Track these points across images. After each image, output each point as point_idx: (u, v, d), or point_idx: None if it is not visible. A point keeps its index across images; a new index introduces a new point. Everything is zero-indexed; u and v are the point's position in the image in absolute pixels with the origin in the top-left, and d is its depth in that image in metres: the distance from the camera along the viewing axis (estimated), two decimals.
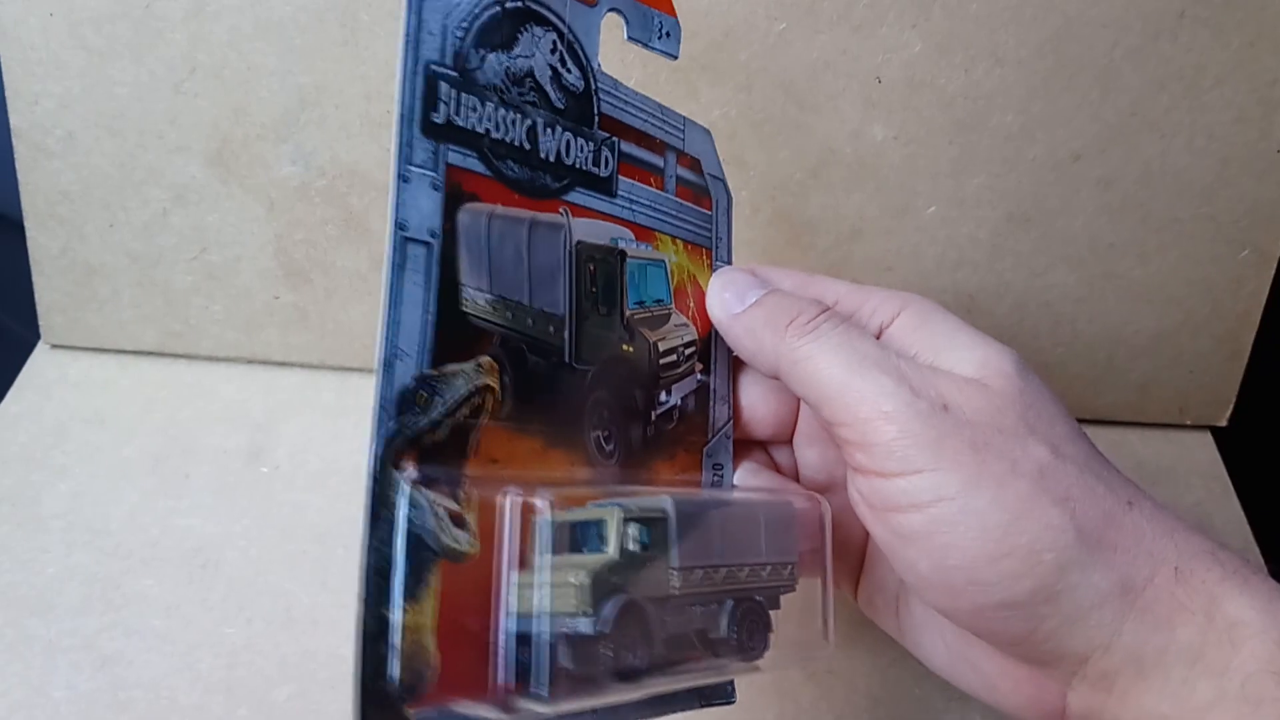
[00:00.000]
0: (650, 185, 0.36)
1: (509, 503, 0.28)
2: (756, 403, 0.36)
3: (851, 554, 0.35)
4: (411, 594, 0.26)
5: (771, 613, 0.32)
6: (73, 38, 0.45)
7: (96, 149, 0.48)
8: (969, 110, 0.45)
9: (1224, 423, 0.53)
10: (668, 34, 0.37)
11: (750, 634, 0.31)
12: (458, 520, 0.27)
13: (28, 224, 0.50)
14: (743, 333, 0.33)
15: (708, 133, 0.38)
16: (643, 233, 0.35)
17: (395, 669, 0.26)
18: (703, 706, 0.33)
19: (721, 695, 0.34)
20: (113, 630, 0.42)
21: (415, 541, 0.27)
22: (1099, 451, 0.31)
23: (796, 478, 0.37)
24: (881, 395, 0.29)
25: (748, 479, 0.36)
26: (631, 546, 0.28)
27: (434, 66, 0.29)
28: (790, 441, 0.37)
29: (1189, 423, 0.53)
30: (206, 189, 0.48)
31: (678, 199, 0.37)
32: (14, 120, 0.47)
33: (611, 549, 0.28)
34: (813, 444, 0.37)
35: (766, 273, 0.35)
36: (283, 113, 0.46)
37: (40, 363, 0.53)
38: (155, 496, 0.47)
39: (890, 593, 0.35)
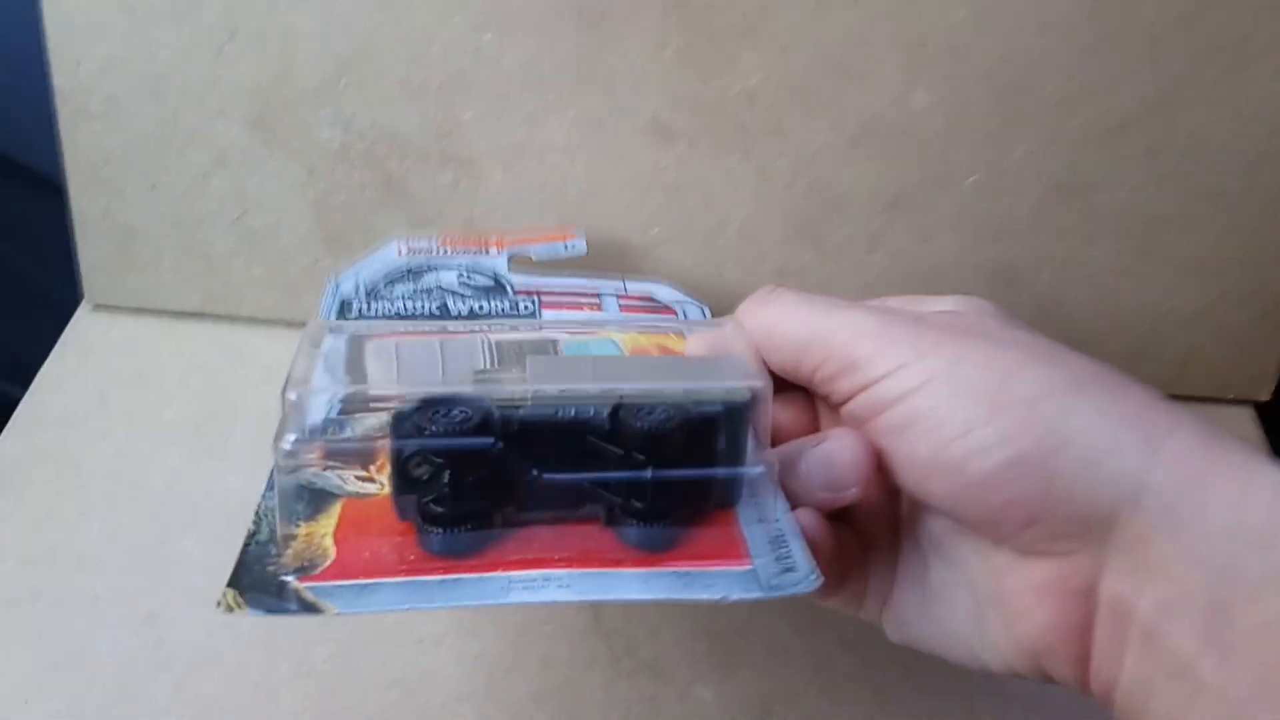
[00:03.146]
0: (585, 310, 0.39)
1: None
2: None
3: (883, 575, 0.34)
4: (309, 519, 0.29)
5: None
6: (115, 0, 0.45)
7: (139, 111, 0.48)
8: (1012, 78, 0.45)
9: (1266, 398, 0.52)
10: (573, 245, 0.44)
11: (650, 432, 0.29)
12: (366, 480, 0.29)
13: (70, 186, 0.50)
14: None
15: (667, 283, 0.43)
16: (580, 333, 0.36)
17: (285, 556, 0.27)
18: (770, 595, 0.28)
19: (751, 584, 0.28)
20: (156, 589, 0.43)
21: (318, 492, 0.29)
22: None
23: None
24: (854, 322, 0.30)
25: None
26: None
27: (346, 299, 0.38)
28: None
29: (1230, 397, 0.52)
30: (248, 152, 0.48)
31: (624, 314, 0.39)
32: (57, 82, 0.48)
33: None
34: None
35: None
36: (323, 76, 0.46)
37: (82, 324, 0.53)
38: (197, 458, 0.48)
39: (917, 594, 0.33)
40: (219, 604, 0.26)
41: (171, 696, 0.40)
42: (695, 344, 0.35)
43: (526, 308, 0.40)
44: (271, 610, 0.26)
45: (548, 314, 0.39)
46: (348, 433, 0.29)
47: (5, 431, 0.49)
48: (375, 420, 0.29)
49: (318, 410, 0.29)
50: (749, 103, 0.46)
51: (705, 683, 0.41)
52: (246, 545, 0.28)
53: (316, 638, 0.42)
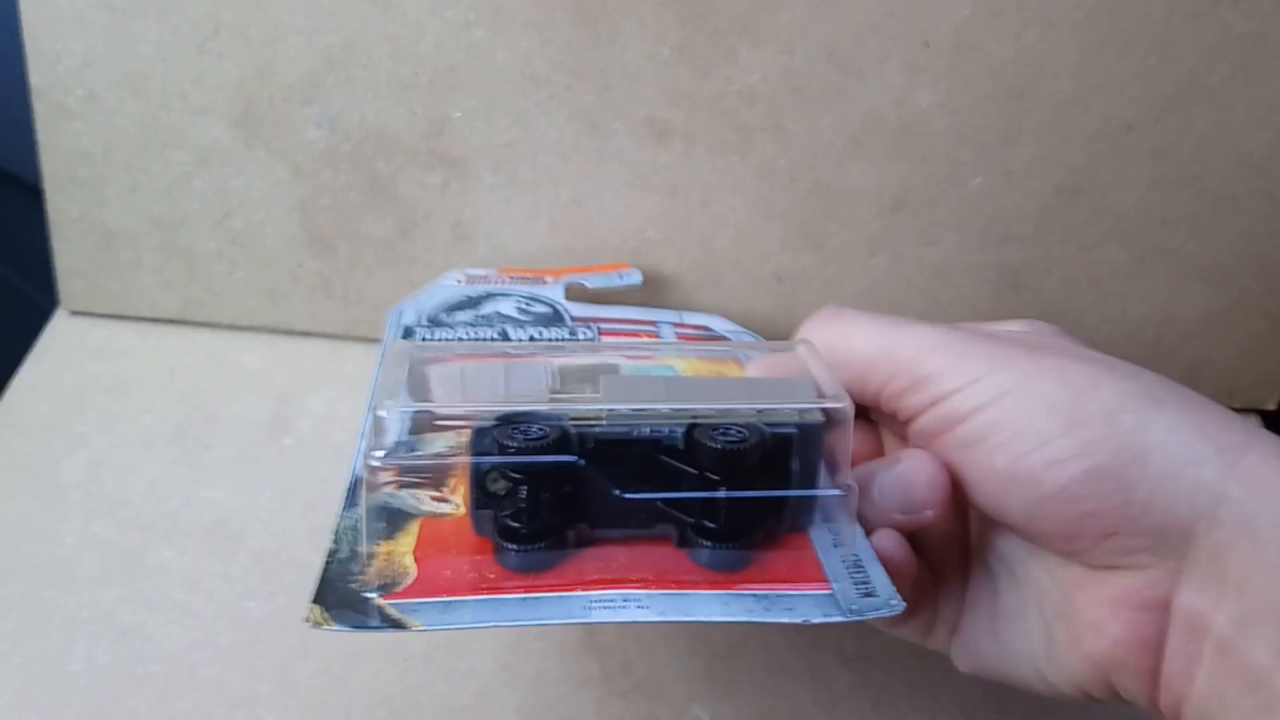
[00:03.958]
0: (642, 339, 0.41)
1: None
2: None
3: (952, 601, 0.34)
4: (388, 538, 0.29)
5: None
6: None
7: (119, 109, 0.46)
8: (1019, 77, 0.44)
9: (1273, 406, 0.51)
10: (627, 275, 0.46)
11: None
12: (441, 500, 0.30)
13: (47, 187, 0.49)
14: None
15: (718, 316, 0.44)
16: (637, 359, 0.36)
17: (367, 574, 0.28)
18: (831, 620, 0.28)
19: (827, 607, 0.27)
20: (133, 602, 0.42)
21: (395, 511, 0.29)
22: None
23: None
24: (920, 336, 0.30)
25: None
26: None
27: (409, 326, 0.40)
28: None
29: (1237, 406, 0.51)
30: (231, 152, 0.47)
31: (679, 342, 0.41)
32: (34, 79, 0.46)
33: None
34: None
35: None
36: (309, 73, 0.45)
37: (59, 330, 0.52)
38: (176, 467, 0.46)
39: (987, 619, 0.32)
40: (306, 619, 0.26)
41: (149, 715, 0.39)
42: (755, 368, 0.34)
43: (585, 335, 0.41)
44: (357, 626, 0.26)
45: (606, 341, 0.40)
46: (418, 454, 0.30)
47: None
48: (443, 442, 0.29)
49: (392, 430, 0.29)
50: (748, 101, 0.45)
51: (701, 702, 0.40)
52: (328, 563, 0.28)
53: (299, 654, 0.40)
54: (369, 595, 0.27)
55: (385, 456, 0.28)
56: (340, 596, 0.27)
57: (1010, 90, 0.44)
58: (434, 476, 0.30)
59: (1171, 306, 0.48)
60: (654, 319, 0.43)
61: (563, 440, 0.28)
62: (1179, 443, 0.26)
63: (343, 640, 0.41)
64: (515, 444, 0.27)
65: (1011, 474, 0.28)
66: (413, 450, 0.29)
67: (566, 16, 0.43)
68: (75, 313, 0.52)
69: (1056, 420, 0.27)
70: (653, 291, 0.49)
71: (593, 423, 0.28)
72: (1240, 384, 0.50)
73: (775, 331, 0.48)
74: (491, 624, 0.26)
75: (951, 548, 0.33)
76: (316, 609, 0.26)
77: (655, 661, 0.41)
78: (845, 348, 0.31)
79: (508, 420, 0.28)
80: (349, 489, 0.31)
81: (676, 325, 0.43)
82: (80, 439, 0.47)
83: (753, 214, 0.47)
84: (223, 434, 0.48)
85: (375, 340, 0.52)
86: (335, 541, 0.29)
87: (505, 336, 0.40)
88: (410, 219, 0.48)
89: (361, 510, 0.29)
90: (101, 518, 0.44)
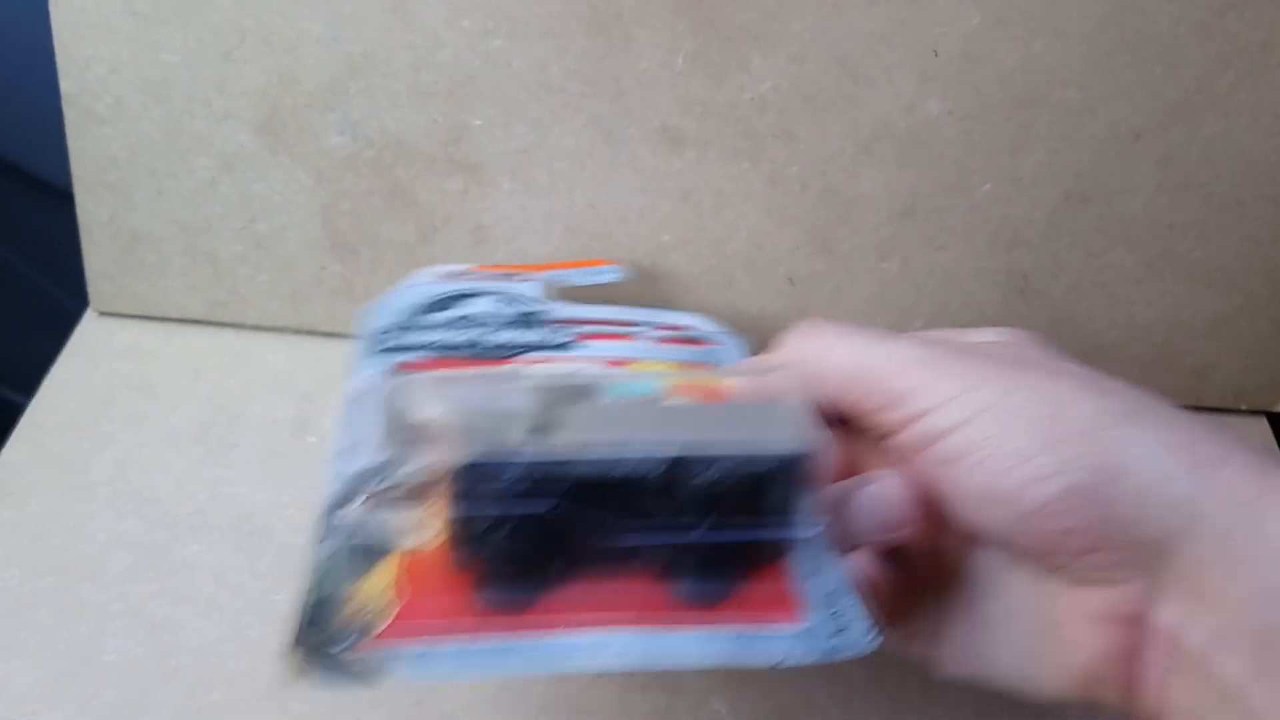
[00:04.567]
0: (622, 340, 0.40)
1: None
2: None
3: (931, 612, 0.34)
4: (364, 575, 0.28)
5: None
6: (121, 1, 0.45)
7: (145, 115, 0.47)
8: (1028, 85, 0.44)
9: None
10: (608, 271, 0.46)
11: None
12: (418, 528, 0.29)
13: (77, 190, 0.50)
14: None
15: (702, 316, 0.44)
16: (614, 365, 0.36)
17: (342, 617, 0.27)
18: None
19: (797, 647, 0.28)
20: (162, 597, 0.43)
21: (370, 547, 0.28)
22: None
23: None
24: (902, 354, 0.30)
25: None
26: None
27: (381, 329, 0.39)
28: None
29: (1244, 408, 0.52)
30: (255, 158, 0.48)
31: (662, 345, 0.40)
32: (64, 86, 0.47)
33: None
34: None
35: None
36: (331, 81, 0.46)
37: (88, 330, 0.53)
38: (202, 465, 0.48)
39: (968, 628, 0.33)
40: (285, 670, 0.26)
41: (180, 706, 0.40)
42: (744, 387, 0.34)
43: (563, 338, 0.40)
44: (334, 678, 0.26)
45: (584, 344, 0.39)
46: (397, 472, 0.29)
47: (10, 438, 0.48)
48: (424, 459, 0.29)
49: (366, 456, 0.29)
50: (760, 109, 0.45)
51: (720, 695, 0.41)
52: (304, 604, 0.27)
53: None
54: (345, 641, 0.26)
55: (358, 510, 0.28)
56: (316, 642, 0.26)
57: (1019, 98, 0.44)
58: (411, 502, 0.29)
59: (1179, 311, 0.49)
60: (633, 319, 0.42)
61: (542, 482, 0.28)
62: (1155, 460, 0.27)
63: None
64: (494, 487, 0.27)
65: (990, 491, 0.28)
66: (390, 466, 0.29)
67: (582, 26, 0.44)
68: (104, 314, 0.53)
69: (1035, 437, 0.27)
70: (666, 294, 0.50)
71: (571, 460, 0.28)
72: (1247, 387, 0.51)
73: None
74: (471, 673, 0.26)
75: (929, 559, 0.33)
76: (295, 657, 0.26)
77: None
78: (825, 364, 0.31)
79: (486, 461, 0.28)
80: (322, 516, 0.30)
81: (658, 328, 0.42)
82: (109, 438, 0.49)
83: (764, 219, 0.48)
84: (247, 432, 0.49)
85: None
86: (310, 579, 0.28)
87: (480, 340, 0.39)
88: (430, 224, 0.49)
89: (336, 552, 0.28)
90: (130, 514, 0.46)
